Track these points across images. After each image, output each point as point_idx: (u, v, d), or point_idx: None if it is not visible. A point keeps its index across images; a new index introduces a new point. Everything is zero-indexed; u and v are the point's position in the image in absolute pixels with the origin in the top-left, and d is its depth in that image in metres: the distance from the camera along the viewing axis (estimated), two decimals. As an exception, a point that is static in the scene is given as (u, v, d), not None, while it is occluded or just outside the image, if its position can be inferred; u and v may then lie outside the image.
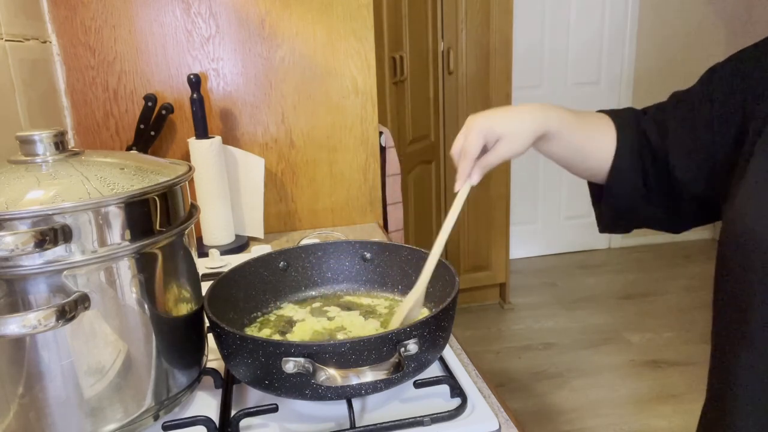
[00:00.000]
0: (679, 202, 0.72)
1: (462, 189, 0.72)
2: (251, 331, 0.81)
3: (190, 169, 0.68)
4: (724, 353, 0.66)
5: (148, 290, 0.61)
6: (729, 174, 0.65)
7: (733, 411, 0.64)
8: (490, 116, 0.70)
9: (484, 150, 0.71)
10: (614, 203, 0.76)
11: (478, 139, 0.69)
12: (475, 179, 0.71)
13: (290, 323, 0.82)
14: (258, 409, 0.65)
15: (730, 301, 0.64)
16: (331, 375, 0.58)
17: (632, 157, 0.72)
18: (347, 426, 0.63)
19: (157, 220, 0.62)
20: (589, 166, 0.76)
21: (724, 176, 0.66)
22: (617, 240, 3.75)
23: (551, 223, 3.65)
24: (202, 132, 1.22)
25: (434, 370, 0.73)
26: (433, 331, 0.65)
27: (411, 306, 0.75)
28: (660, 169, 0.72)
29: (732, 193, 0.63)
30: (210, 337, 0.70)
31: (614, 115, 0.76)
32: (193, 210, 0.70)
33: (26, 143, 0.61)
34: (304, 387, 0.61)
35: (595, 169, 0.75)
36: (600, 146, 0.73)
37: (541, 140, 0.72)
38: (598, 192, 0.80)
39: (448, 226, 0.73)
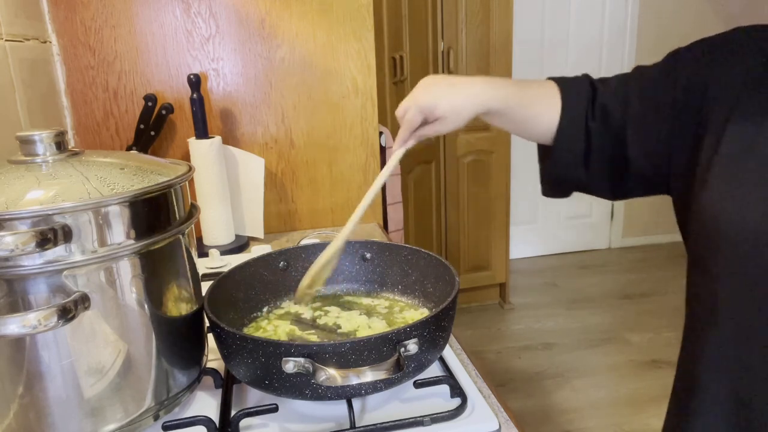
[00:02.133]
0: (623, 173, 0.74)
1: (397, 151, 0.78)
2: (251, 331, 0.81)
3: (190, 169, 0.68)
4: (690, 351, 0.68)
5: (148, 290, 0.61)
6: (684, 156, 0.67)
7: (698, 410, 0.65)
8: (435, 93, 0.74)
9: (425, 122, 0.76)
10: (556, 167, 0.78)
11: (418, 115, 0.74)
12: (410, 144, 0.78)
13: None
14: (258, 409, 0.65)
15: (697, 298, 0.66)
16: (331, 375, 0.57)
17: (576, 125, 0.74)
18: (347, 426, 0.63)
19: (157, 220, 0.62)
20: (533, 135, 0.78)
21: (677, 158, 0.68)
22: (617, 240, 3.75)
23: (551, 223, 3.65)
24: (202, 132, 1.22)
25: (434, 370, 0.73)
26: (433, 331, 0.65)
27: (322, 263, 0.79)
28: (610, 141, 0.73)
29: (696, 187, 0.64)
30: (210, 337, 0.70)
31: (563, 83, 0.77)
32: (193, 210, 0.70)
33: (26, 143, 0.61)
34: (304, 387, 0.61)
35: (540, 136, 0.78)
36: (544, 117, 0.76)
37: (485, 115, 0.75)
38: (543, 152, 0.81)
39: (378, 183, 0.79)
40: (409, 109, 0.74)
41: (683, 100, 0.67)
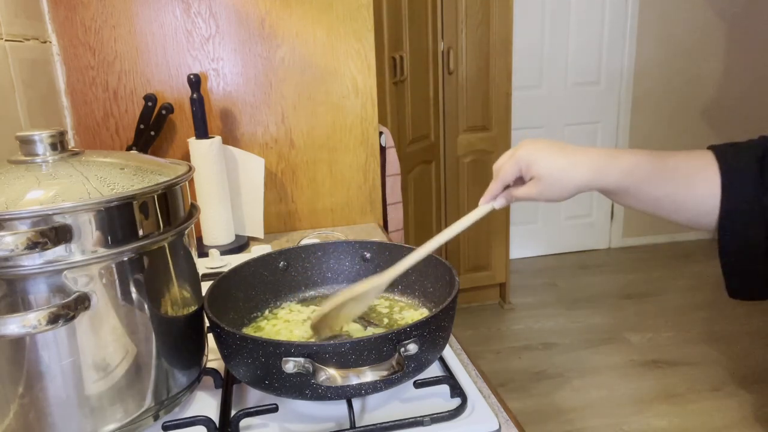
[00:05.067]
0: None
1: (482, 207, 0.71)
2: (251, 331, 0.81)
3: (190, 169, 0.68)
4: None
5: (148, 290, 0.61)
6: None
7: None
8: (537, 151, 0.66)
9: (520, 181, 0.68)
10: (731, 263, 0.62)
11: (514, 169, 0.67)
12: (498, 204, 0.70)
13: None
14: (258, 409, 0.65)
15: None
16: (331, 375, 0.58)
17: (746, 206, 0.59)
18: (347, 426, 0.63)
19: (157, 220, 0.62)
20: (680, 218, 0.65)
21: None
22: (617, 240, 3.75)
23: (551, 223, 3.65)
24: (202, 132, 1.22)
25: (434, 370, 0.73)
26: (433, 331, 0.65)
27: (365, 290, 0.71)
28: None
29: None
30: (210, 337, 0.70)
31: (723, 154, 0.61)
32: (193, 210, 0.70)
33: (26, 143, 0.61)
34: (304, 387, 0.61)
35: (691, 220, 0.64)
36: (694, 196, 0.62)
37: (607, 193, 0.65)
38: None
39: (450, 233, 0.71)
40: (508, 159, 0.67)
41: None
